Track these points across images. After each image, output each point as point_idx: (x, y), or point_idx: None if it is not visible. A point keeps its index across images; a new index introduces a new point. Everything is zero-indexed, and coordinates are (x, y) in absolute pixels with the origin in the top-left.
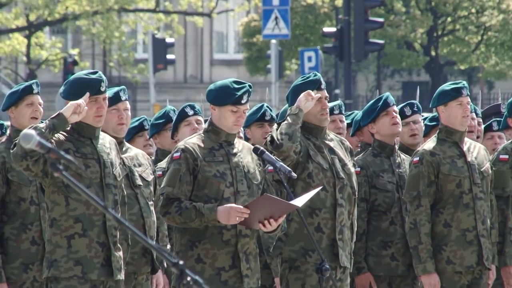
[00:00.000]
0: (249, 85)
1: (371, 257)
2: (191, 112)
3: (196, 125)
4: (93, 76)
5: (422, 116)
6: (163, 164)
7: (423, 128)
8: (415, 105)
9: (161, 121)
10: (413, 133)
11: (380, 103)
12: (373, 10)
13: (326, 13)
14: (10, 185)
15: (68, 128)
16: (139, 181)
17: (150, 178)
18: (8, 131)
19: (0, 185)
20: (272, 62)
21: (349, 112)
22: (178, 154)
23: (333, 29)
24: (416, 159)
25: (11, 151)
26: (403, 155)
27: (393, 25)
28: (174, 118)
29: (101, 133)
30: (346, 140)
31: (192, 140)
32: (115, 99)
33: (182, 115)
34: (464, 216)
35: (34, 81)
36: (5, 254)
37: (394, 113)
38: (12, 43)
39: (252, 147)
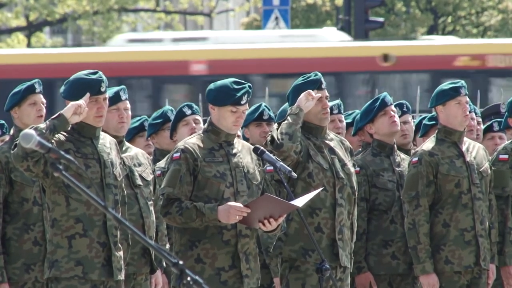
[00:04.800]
0: (249, 86)
1: (372, 256)
2: (188, 112)
3: (194, 125)
4: (93, 77)
5: (421, 115)
6: (162, 164)
7: (413, 127)
8: (405, 105)
9: (159, 121)
10: (403, 134)
11: (378, 103)
12: (374, 9)
13: (328, 11)
14: (13, 185)
15: (69, 128)
16: (139, 181)
17: (150, 178)
18: (12, 131)
19: (3, 185)
20: None
21: (350, 112)
22: (178, 154)
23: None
24: (415, 159)
25: (12, 151)
26: (402, 155)
27: (394, 25)
28: (171, 118)
29: (101, 133)
30: (346, 139)
31: (191, 140)
32: (115, 99)
33: (180, 115)
34: (463, 216)
35: (35, 80)
36: (7, 254)
37: (392, 112)
38: (12, 42)
39: (252, 147)
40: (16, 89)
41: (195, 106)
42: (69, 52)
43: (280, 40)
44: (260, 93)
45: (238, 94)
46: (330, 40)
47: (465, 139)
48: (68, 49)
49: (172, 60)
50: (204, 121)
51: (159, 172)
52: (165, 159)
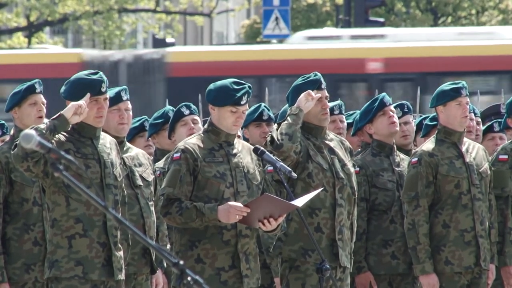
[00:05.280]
0: (249, 86)
1: (372, 256)
2: (187, 112)
3: (192, 125)
4: (94, 77)
5: (421, 116)
6: (160, 164)
7: (414, 128)
8: (406, 105)
9: (159, 121)
10: (404, 134)
11: (377, 103)
12: (374, 10)
13: (328, 11)
14: (13, 186)
15: (69, 129)
16: (139, 181)
17: (150, 178)
18: (12, 131)
19: (3, 185)
20: None
21: (351, 112)
22: (178, 154)
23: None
24: (414, 159)
25: (12, 152)
26: (402, 155)
27: (394, 25)
28: None
29: (101, 133)
30: (346, 140)
31: (192, 140)
32: (116, 99)
33: (178, 115)
34: (463, 217)
35: (36, 80)
36: (7, 254)
37: (391, 112)
38: (12, 42)
39: (252, 147)
40: (16, 89)
41: (193, 106)
42: (250, 50)
43: (457, 37)
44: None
45: (238, 94)
46: (508, 38)
47: (464, 139)
48: (250, 46)
49: (348, 58)
50: (204, 122)
51: (158, 173)
52: (163, 159)
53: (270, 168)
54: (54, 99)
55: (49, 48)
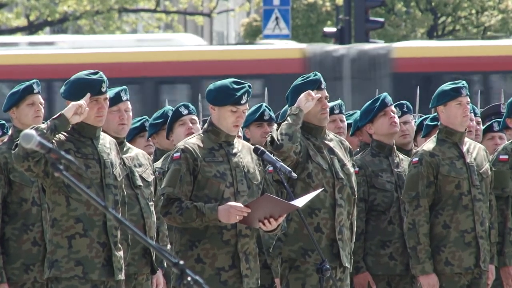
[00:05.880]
0: (249, 85)
1: (370, 257)
2: (185, 112)
3: (190, 125)
4: (94, 77)
5: (422, 116)
6: (158, 164)
7: (414, 128)
8: (405, 105)
9: (159, 121)
10: (404, 134)
11: (378, 104)
12: (374, 10)
13: (328, 11)
14: (12, 186)
15: (69, 128)
16: (139, 182)
17: (150, 178)
18: (10, 131)
19: (2, 186)
20: None
21: (351, 112)
22: (178, 154)
23: (334, 29)
24: (415, 159)
25: (13, 152)
26: (401, 155)
27: (394, 25)
28: None
29: (101, 133)
30: (346, 140)
31: (192, 140)
32: (116, 99)
33: (177, 115)
34: (463, 217)
35: (34, 80)
36: (6, 254)
37: (391, 113)
38: None
39: (252, 147)
40: (14, 89)
41: (191, 106)
42: (475, 45)
43: None
44: None
45: (238, 94)
46: None
47: (465, 139)
48: (474, 42)
49: None
50: (204, 121)
51: (157, 173)
52: (161, 159)
53: (271, 168)
54: (276, 95)
55: (275, 44)
